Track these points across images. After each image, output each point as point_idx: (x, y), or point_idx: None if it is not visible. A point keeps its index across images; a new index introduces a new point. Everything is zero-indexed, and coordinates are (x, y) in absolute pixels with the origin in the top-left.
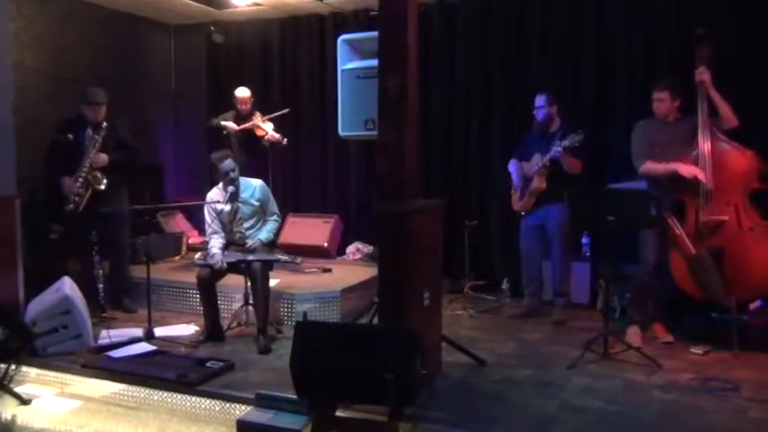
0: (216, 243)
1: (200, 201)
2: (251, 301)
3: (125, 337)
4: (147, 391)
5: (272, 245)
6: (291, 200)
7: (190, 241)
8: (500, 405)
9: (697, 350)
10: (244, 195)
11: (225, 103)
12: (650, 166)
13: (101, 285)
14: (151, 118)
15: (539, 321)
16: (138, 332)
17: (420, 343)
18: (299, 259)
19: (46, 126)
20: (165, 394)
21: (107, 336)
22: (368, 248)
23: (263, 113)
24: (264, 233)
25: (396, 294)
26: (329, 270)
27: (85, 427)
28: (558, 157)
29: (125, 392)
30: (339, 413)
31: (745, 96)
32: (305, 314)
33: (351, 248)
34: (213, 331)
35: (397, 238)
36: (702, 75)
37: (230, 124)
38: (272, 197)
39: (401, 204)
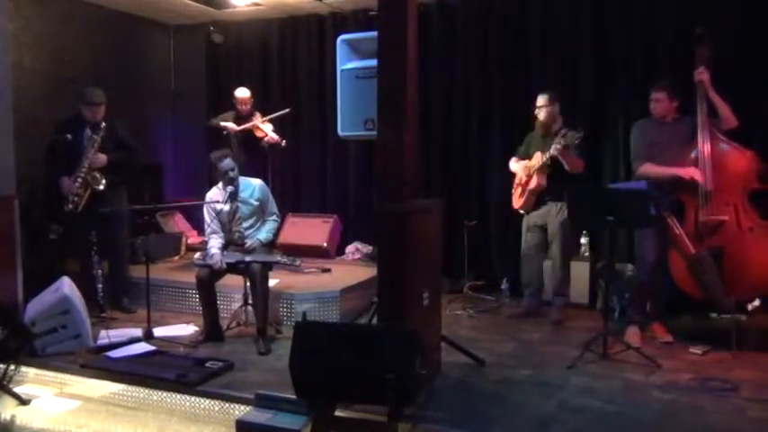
0: (215, 243)
1: (199, 201)
2: (250, 302)
3: (124, 338)
4: (146, 391)
5: (271, 245)
6: (291, 200)
7: (189, 241)
8: (499, 405)
9: (696, 350)
10: (243, 195)
11: (224, 103)
12: (647, 169)
13: (100, 285)
14: (150, 118)
15: (538, 321)
16: (138, 332)
17: (419, 343)
18: (297, 261)
19: (45, 126)
20: (165, 394)
21: (106, 336)
22: (367, 248)
23: (263, 114)
24: (264, 233)
25: (395, 294)
26: (328, 270)
27: (85, 428)
28: (558, 156)
29: (124, 393)
30: (338, 413)
31: (745, 97)
32: (304, 314)
33: (350, 248)
34: (212, 331)
35: (396, 238)
36: (702, 75)
37: (230, 125)
38: (271, 197)
39: (400, 204)
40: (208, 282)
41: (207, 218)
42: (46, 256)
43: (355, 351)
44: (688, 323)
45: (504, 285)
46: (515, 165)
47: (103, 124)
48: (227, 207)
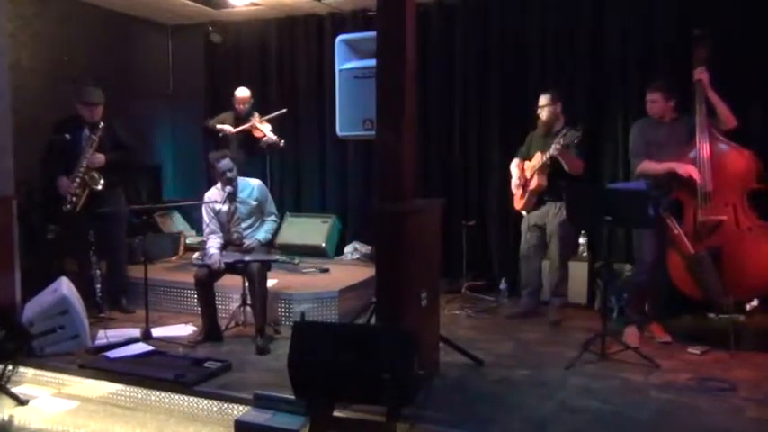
0: (214, 243)
1: (197, 201)
2: (249, 302)
3: (122, 338)
4: (144, 391)
5: (269, 245)
6: (290, 200)
7: (187, 241)
8: (498, 405)
9: (694, 350)
10: (242, 195)
11: (223, 103)
12: (646, 166)
13: (98, 285)
14: (149, 118)
15: (536, 321)
16: (136, 332)
17: (417, 343)
18: (296, 260)
19: (43, 126)
20: (163, 394)
21: (104, 336)
22: (366, 248)
23: (261, 114)
24: (262, 233)
25: (393, 294)
26: (327, 270)
27: (83, 428)
28: (558, 156)
29: (122, 393)
30: (337, 413)
31: (744, 97)
32: (303, 314)
33: (349, 248)
34: (211, 331)
35: (395, 238)
36: (700, 75)
37: (227, 127)
38: (270, 197)
39: (399, 204)
40: (206, 282)
41: (205, 218)
42: (44, 257)
43: (354, 351)
44: (686, 323)
45: (502, 285)
46: (515, 169)
47: (102, 124)
48: (225, 207)
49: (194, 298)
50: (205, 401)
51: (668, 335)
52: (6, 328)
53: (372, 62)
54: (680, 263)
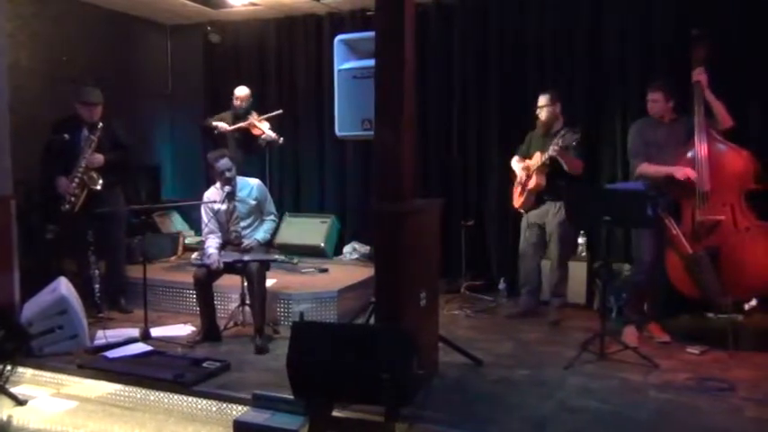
0: (213, 243)
1: (196, 201)
2: (248, 302)
3: (121, 338)
4: (143, 391)
5: (268, 245)
6: (289, 200)
7: (186, 241)
8: (497, 405)
9: (693, 350)
10: (241, 195)
11: (222, 102)
12: (644, 169)
13: (97, 285)
14: (147, 118)
15: (535, 321)
16: (135, 332)
17: (416, 343)
18: (295, 260)
19: (42, 126)
20: (162, 395)
21: (103, 336)
22: (365, 248)
23: (260, 113)
24: (261, 233)
25: (392, 294)
26: (326, 270)
27: (82, 428)
28: (557, 156)
29: (121, 393)
30: (336, 413)
31: (742, 97)
32: (302, 314)
33: (348, 248)
34: (210, 331)
35: (394, 239)
36: (699, 76)
37: (222, 124)
38: (269, 197)
39: (398, 204)
40: (205, 282)
41: (204, 218)
42: (43, 257)
43: (353, 351)
44: (685, 323)
45: (501, 285)
46: (516, 164)
47: (100, 124)
48: (224, 207)
49: (193, 298)
50: (204, 401)
51: (667, 335)
52: (5, 328)
53: (371, 62)
54: (678, 263)
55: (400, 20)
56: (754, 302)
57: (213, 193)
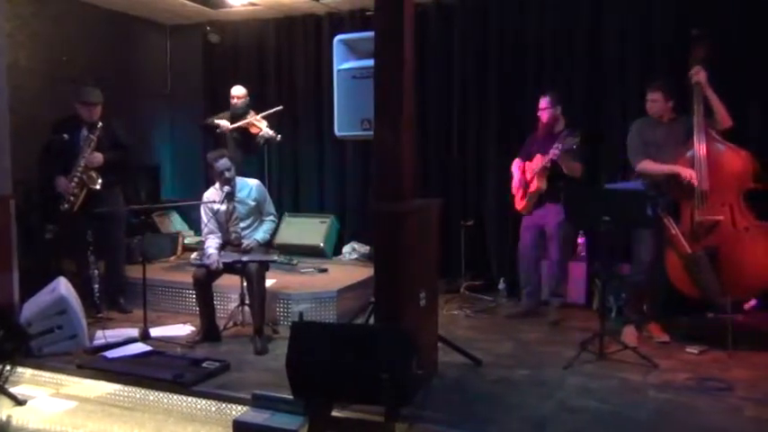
0: (212, 243)
1: (196, 201)
2: (247, 302)
3: (120, 338)
4: (142, 391)
5: (268, 245)
6: (288, 200)
7: (185, 241)
8: (496, 405)
9: (692, 350)
10: (240, 195)
11: (221, 102)
12: (646, 165)
13: (96, 285)
14: (147, 118)
15: (535, 321)
16: (134, 332)
17: (416, 343)
18: (294, 260)
19: (41, 126)
20: (161, 395)
21: (102, 336)
22: (364, 248)
23: (258, 113)
24: (261, 233)
25: (392, 294)
26: (325, 270)
27: (81, 428)
28: (557, 160)
29: (121, 393)
30: (335, 413)
31: (741, 97)
32: (301, 314)
33: (347, 248)
34: (209, 331)
35: (393, 239)
36: (698, 75)
37: (223, 122)
38: (268, 197)
39: (398, 204)
40: (205, 282)
41: (204, 218)
42: (42, 257)
43: (352, 351)
44: (684, 323)
45: (501, 285)
46: (515, 171)
47: (100, 124)
48: (223, 207)
49: (192, 298)
50: (203, 401)
51: (666, 335)
52: (4, 328)
53: (370, 62)
54: (677, 263)
55: (400, 20)
56: (753, 302)
57: (212, 194)
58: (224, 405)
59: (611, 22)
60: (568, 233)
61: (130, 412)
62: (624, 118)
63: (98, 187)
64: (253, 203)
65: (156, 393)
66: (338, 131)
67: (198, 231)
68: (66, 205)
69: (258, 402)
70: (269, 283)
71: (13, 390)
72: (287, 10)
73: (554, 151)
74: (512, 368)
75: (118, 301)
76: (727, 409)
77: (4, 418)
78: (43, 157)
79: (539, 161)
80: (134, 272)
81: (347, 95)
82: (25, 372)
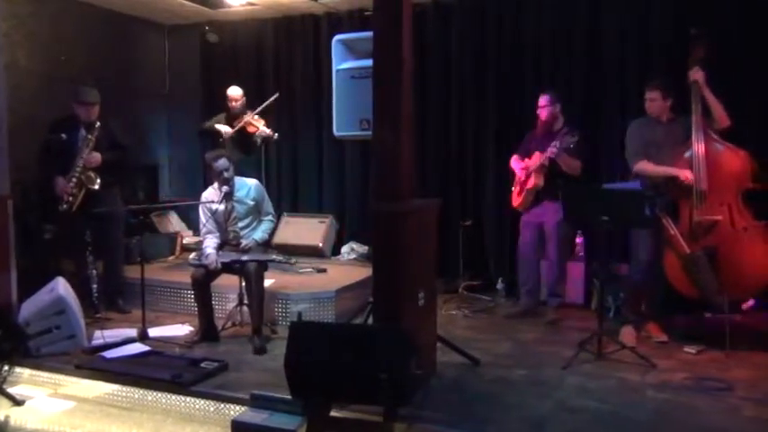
0: (210, 243)
1: (194, 200)
2: (246, 302)
3: (119, 338)
4: (141, 391)
5: (266, 245)
6: (287, 200)
7: (184, 241)
8: (495, 405)
9: (690, 349)
10: (239, 195)
11: (219, 103)
12: (644, 166)
13: (94, 286)
14: (145, 118)
15: (533, 321)
16: (132, 332)
17: (414, 343)
18: (293, 260)
19: (39, 126)
20: (160, 395)
21: (101, 336)
22: (363, 248)
23: (253, 109)
24: (259, 233)
25: (390, 294)
26: (324, 270)
27: (79, 428)
28: (555, 158)
29: (119, 393)
30: (334, 413)
31: (740, 96)
32: (300, 314)
33: (346, 248)
34: (208, 331)
35: (392, 238)
36: (696, 75)
37: (224, 128)
38: (267, 197)
39: (396, 204)
40: (203, 282)
41: (202, 218)
42: (40, 257)
43: (351, 351)
44: (683, 323)
45: (499, 285)
46: (515, 164)
47: (98, 124)
48: (222, 207)
49: (191, 298)
50: (202, 402)
51: (665, 334)
52: (2, 328)
53: (369, 62)
54: (676, 263)
55: (398, 20)
56: (751, 302)
57: (211, 194)
58: (222, 405)
59: (609, 21)
60: (567, 233)
61: (129, 412)
62: (623, 117)
63: (96, 187)
64: (251, 203)
65: (155, 393)
66: (337, 131)
67: (196, 231)
68: (64, 205)
69: (256, 402)
70: (267, 282)
71: (11, 390)
72: (285, 10)
73: (551, 149)
74: (510, 368)
75: (116, 302)
76: (726, 409)
77: (2, 419)
78: (42, 157)
79: (537, 158)
80: (132, 272)
81: (346, 95)
82: (23, 372)
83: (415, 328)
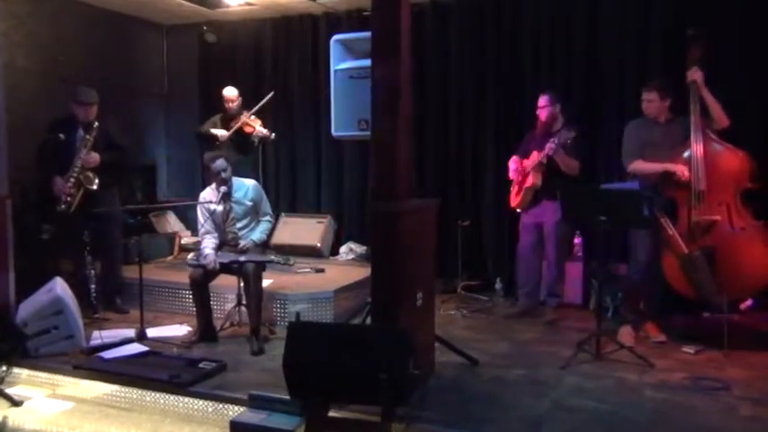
0: (209, 243)
1: (192, 201)
2: (244, 302)
3: (117, 338)
4: (139, 392)
5: (264, 245)
6: (285, 200)
7: (182, 241)
8: (493, 405)
9: (689, 349)
10: (237, 195)
11: (217, 103)
12: (638, 165)
13: (93, 286)
14: (143, 118)
15: (532, 321)
16: (131, 333)
17: (413, 343)
18: (291, 261)
19: (37, 126)
20: (158, 395)
21: (99, 336)
22: (361, 248)
23: (249, 109)
24: (257, 234)
25: (389, 295)
26: (322, 270)
27: (78, 429)
28: (553, 156)
29: (117, 393)
30: (332, 413)
31: (738, 96)
32: (298, 315)
33: (344, 248)
34: (206, 332)
35: (390, 238)
36: (694, 75)
37: (221, 132)
38: (265, 197)
39: (394, 204)
40: (201, 282)
41: (200, 218)
42: (38, 257)
43: (349, 351)
44: (681, 323)
45: (498, 285)
46: (510, 165)
47: (96, 124)
48: (220, 207)
49: (189, 298)
50: (200, 402)
51: (663, 334)
52: (0, 328)
53: (367, 62)
54: (674, 263)
55: (396, 20)
56: (749, 302)
57: (209, 194)
58: (221, 405)
59: (608, 21)
60: (565, 233)
61: (127, 413)
62: (622, 118)
63: (95, 187)
64: (249, 204)
65: (153, 394)
66: (335, 131)
67: (195, 232)
68: (62, 206)
69: (255, 403)
70: (266, 283)
71: (9, 390)
72: (284, 10)
73: (550, 146)
74: (508, 368)
75: (114, 302)
76: (724, 409)
77: (0, 419)
78: (40, 157)
79: (535, 157)
80: (131, 272)
81: (344, 95)
82: (21, 372)
83: (413, 329)
